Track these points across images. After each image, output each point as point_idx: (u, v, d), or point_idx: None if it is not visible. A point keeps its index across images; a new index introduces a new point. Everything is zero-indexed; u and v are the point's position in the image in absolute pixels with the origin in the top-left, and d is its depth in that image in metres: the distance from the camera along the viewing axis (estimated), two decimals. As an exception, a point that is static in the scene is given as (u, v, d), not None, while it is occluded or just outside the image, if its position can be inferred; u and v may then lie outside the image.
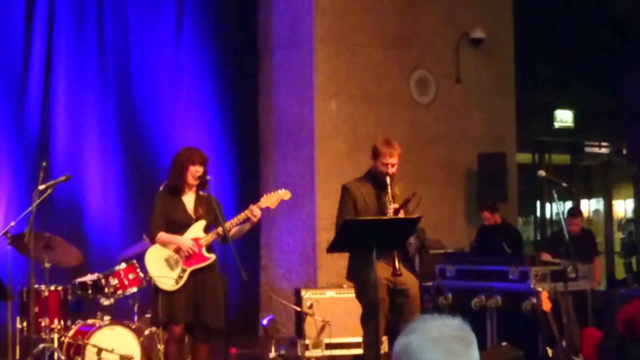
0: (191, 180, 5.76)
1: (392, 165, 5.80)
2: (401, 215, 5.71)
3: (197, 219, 5.79)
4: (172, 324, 5.74)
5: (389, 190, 5.73)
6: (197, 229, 5.78)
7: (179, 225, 5.77)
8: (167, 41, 9.16)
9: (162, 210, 5.79)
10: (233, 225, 5.73)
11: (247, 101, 9.58)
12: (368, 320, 5.82)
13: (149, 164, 8.79)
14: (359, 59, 9.38)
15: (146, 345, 6.48)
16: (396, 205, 5.69)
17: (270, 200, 5.86)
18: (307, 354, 7.60)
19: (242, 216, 5.70)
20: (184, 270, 5.70)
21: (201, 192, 5.83)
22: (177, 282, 5.68)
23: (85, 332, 6.31)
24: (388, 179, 5.75)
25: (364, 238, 5.43)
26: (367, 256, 5.50)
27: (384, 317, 5.79)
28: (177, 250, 5.72)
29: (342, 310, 7.66)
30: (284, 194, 5.94)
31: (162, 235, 5.76)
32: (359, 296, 5.93)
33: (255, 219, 5.73)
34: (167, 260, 5.73)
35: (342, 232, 5.57)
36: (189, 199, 5.83)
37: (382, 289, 5.74)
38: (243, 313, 8.93)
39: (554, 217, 13.72)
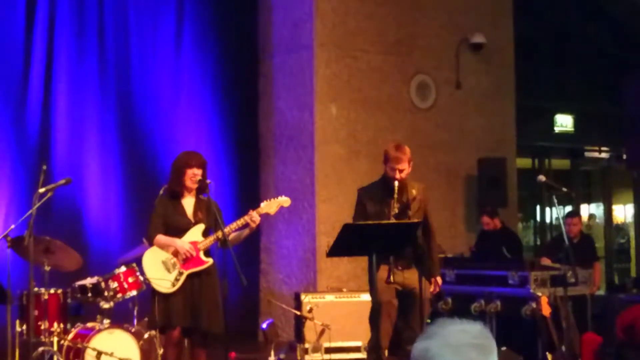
0: (189, 183, 5.76)
1: (401, 171, 5.78)
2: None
3: (196, 223, 5.78)
4: (169, 328, 5.74)
5: (395, 196, 5.73)
6: (195, 233, 5.77)
7: (178, 229, 5.77)
8: (167, 46, 9.16)
9: (161, 213, 5.79)
10: (232, 230, 5.72)
11: (247, 105, 9.58)
12: (372, 323, 5.83)
13: (149, 168, 8.78)
14: (359, 64, 9.39)
15: (145, 348, 6.47)
16: (395, 210, 5.70)
17: (270, 206, 5.87)
18: (307, 358, 7.60)
19: (241, 221, 5.70)
20: (181, 273, 5.69)
21: (201, 197, 5.83)
22: (173, 285, 5.67)
23: (85, 336, 6.30)
24: (396, 184, 5.74)
25: (363, 243, 5.43)
26: (378, 259, 5.51)
27: (389, 320, 5.79)
28: (175, 253, 5.72)
29: (342, 315, 7.66)
30: (283, 201, 5.94)
31: (160, 237, 5.76)
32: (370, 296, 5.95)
33: (254, 225, 5.73)
34: (164, 263, 5.73)
35: (342, 237, 5.57)
36: (188, 203, 5.83)
37: (390, 292, 5.75)
38: (243, 317, 8.92)
39: (553, 222, 13.72)
